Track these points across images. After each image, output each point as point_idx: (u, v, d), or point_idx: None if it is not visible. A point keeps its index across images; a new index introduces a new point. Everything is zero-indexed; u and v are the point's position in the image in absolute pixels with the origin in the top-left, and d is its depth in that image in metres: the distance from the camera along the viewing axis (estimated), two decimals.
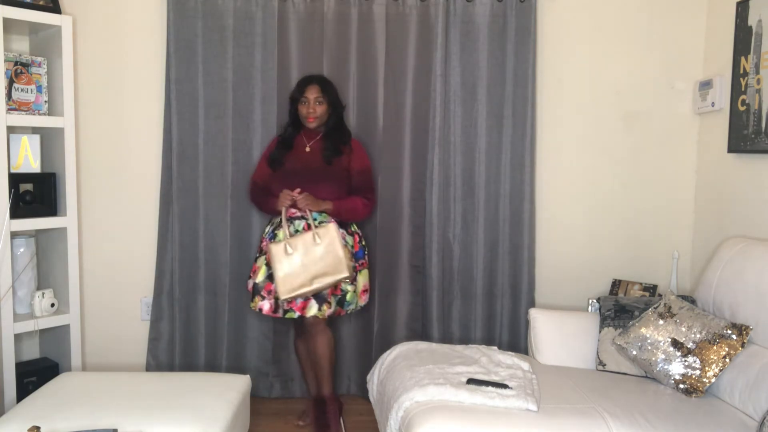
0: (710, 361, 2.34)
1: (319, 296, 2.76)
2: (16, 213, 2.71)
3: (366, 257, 2.96)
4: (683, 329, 2.45)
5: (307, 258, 2.69)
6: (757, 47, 2.77)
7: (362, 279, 2.90)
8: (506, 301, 3.28)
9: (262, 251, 2.89)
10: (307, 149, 2.93)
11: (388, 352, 2.73)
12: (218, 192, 3.16)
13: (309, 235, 2.72)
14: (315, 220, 2.82)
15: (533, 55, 3.17)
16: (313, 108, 2.88)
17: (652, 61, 3.27)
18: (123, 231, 3.21)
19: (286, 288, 2.67)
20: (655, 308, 2.60)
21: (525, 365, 2.54)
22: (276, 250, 2.71)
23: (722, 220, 3.07)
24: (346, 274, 2.71)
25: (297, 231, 2.81)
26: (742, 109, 2.86)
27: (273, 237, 2.85)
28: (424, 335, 3.24)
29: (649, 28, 3.26)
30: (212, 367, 3.21)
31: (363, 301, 2.92)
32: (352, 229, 2.94)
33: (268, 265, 2.80)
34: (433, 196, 3.20)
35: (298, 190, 2.79)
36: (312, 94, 2.88)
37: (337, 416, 2.89)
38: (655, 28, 3.26)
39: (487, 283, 3.28)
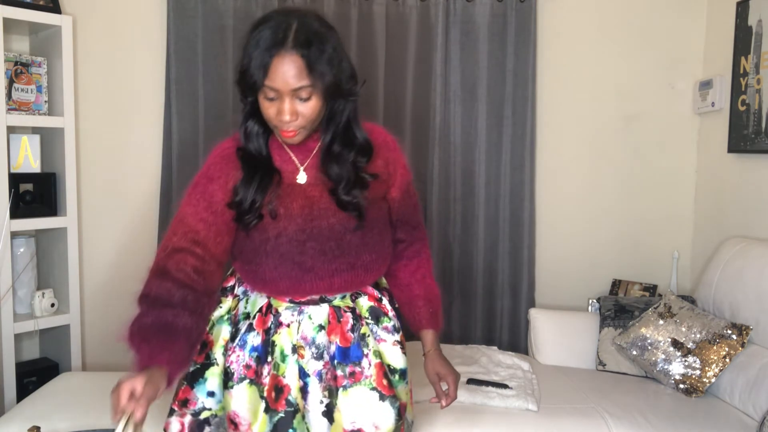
0: (710, 361, 2.34)
1: None
2: (16, 213, 2.70)
3: (400, 330, 1.66)
4: (683, 329, 2.45)
5: None
6: (757, 47, 2.77)
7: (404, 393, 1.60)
8: (506, 301, 3.27)
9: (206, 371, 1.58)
10: (301, 178, 1.47)
11: None
12: None
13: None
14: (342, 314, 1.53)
15: (533, 55, 3.17)
16: (292, 108, 1.33)
17: (652, 61, 3.27)
18: (123, 231, 3.21)
19: None
20: (655, 308, 2.60)
21: (525, 365, 2.54)
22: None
23: (722, 220, 3.07)
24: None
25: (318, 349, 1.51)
26: (742, 109, 2.86)
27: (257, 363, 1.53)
28: None
29: (649, 28, 3.26)
30: None
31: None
32: (382, 284, 1.71)
33: (264, 398, 1.49)
34: (433, 196, 3.20)
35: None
36: (286, 79, 1.29)
37: None
38: (655, 28, 3.26)
39: (487, 283, 3.27)
